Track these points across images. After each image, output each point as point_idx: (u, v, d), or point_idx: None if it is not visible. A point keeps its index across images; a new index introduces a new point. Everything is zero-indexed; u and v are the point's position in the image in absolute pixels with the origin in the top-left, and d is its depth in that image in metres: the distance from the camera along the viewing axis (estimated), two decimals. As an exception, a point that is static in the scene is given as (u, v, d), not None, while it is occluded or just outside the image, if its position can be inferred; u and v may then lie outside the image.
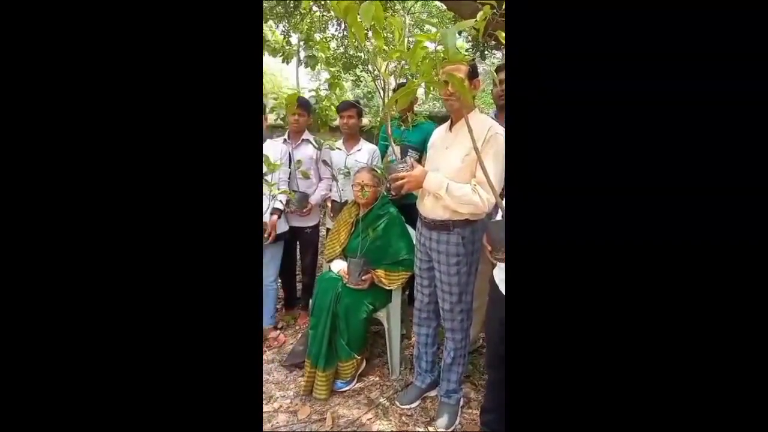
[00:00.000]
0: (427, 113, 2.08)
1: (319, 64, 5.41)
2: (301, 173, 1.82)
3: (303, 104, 2.05)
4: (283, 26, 5.10)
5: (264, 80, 6.21)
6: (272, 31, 5.19)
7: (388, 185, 1.39)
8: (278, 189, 1.82)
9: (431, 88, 1.23)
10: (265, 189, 1.72)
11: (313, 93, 5.40)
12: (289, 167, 1.94)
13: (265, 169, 1.69)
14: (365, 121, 4.95)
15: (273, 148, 1.90)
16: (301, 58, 5.40)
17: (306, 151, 2.04)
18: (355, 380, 1.75)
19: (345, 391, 1.70)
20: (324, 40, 5.24)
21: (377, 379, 1.80)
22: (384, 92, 1.20)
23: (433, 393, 1.67)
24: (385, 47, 1.04)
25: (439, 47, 0.97)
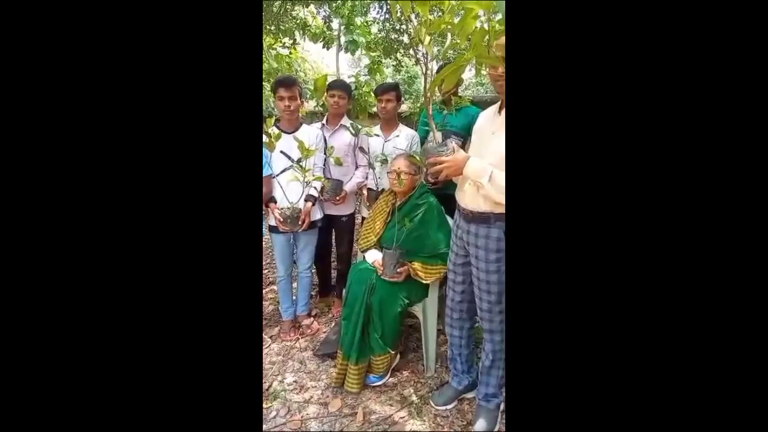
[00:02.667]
0: (470, 98, 1.93)
1: (359, 49, 5.32)
2: (334, 160, 1.76)
3: (343, 86, 1.97)
4: (324, 11, 5.04)
5: (305, 67, 6.19)
6: (313, 16, 5.14)
7: (426, 171, 1.28)
8: (313, 176, 1.77)
9: (482, 66, 1.11)
10: (300, 175, 1.67)
11: (353, 78, 5.33)
12: (325, 153, 1.88)
13: (299, 154, 1.65)
14: (405, 107, 4.82)
15: (309, 134, 1.84)
16: (342, 43, 5.34)
17: (342, 138, 1.97)
18: (389, 375, 1.69)
19: (377, 386, 1.65)
20: (365, 24, 5.14)
21: (411, 375, 1.73)
22: (426, 69, 1.09)
23: (470, 394, 1.57)
24: (430, 16, 0.93)
25: (495, 17, 0.85)
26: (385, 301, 1.59)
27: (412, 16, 1.05)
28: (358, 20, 5.04)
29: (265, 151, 1.75)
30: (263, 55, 5.15)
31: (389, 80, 4.63)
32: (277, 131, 1.64)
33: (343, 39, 5.29)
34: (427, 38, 1.05)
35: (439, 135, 1.26)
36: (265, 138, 1.57)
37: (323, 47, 5.07)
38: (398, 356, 1.78)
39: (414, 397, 1.60)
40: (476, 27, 0.81)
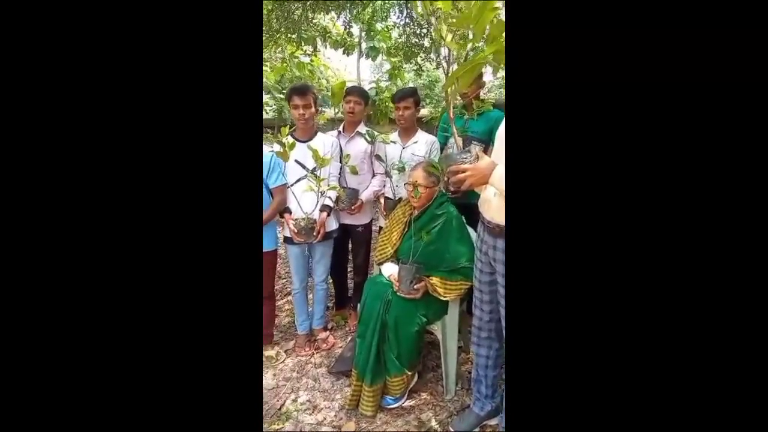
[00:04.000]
0: (493, 101, 1.82)
1: (380, 54, 5.27)
2: (349, 168, 1.69)
3: (359, 93, 1.90)
4: (344, 17, 5.03)
5: (327, 75, 6.20)
6: (333, 23, 5.14)
7: (446, 180, 1.19)
8: (328, 185, 1.71)
9: (501, 65, 1.01)
10: (314, 185, 1.61)
11: (374, 85, 5.28)
12: (340, 162, 1.81)
13: (314, 164, 1.58)
14: (425, 111, 4.71)
15: (324, 142, 1.78)
16: (363, 49, 5.32)
17: (359, 145, 1.90)
18: (405, 397, 1.60)
19: (394, 409, 1.55)
20: (386, 29, 5.10)
21: (430, 397, 1.63)
22: (448, 70, 1.00)
23: (494, 421, 1.45)
24: (452, 11, 0.85)
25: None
26: (402, 318, 1.49)
27: (432, 18, 0.97)
28: (379, 26, 5.01)
29: (281, 161, 1.71)
30: (285, 64, 5.19)
31: (411, 85, 4.56)
32: (291, 140, 1.59)
33: (363, 45, 5.27)
34: (449, 36, 0.97)
35: (460, 140, 1.16)
36: (279, 147, 1.52)
37: (343, 53, 5.07)
38: (416, 376, 1.68)
39: (433, 422, 1.49)
40: (494, 20, 0.72)
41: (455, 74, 0.90)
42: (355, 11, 4.77)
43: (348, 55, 5.24)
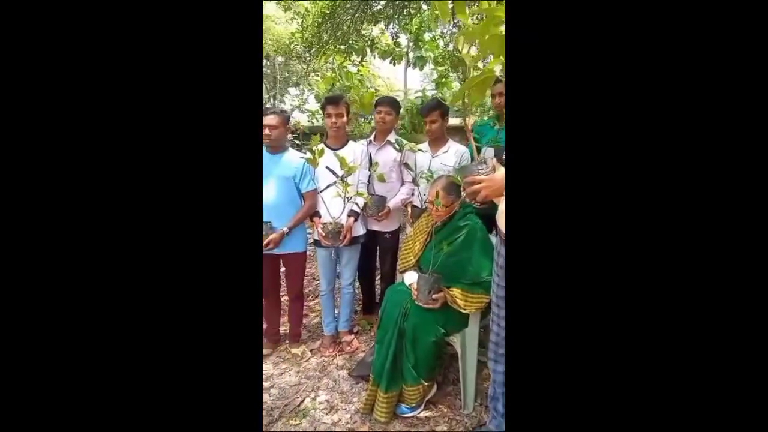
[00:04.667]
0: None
1: (427, 63, 5.29)
2: (377, 176, 1.72)
3: (390, 103, 1.94)
4: (392, 28, 5.13)
5: (376, 84, 6.34)
6: (382, 32, 5.26)
7: (463, 191, 1.18)
8: (357, 192, 1.76)
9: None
10: (341, 191, 1.67)
11: (420, 94, 5.31)
12: (369, 169, 1.86)
13: (342, 171, 1.64)
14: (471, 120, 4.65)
15: (354, 150, 1.84)
16: (410, 59, 5.38)
17: (388, 154, 1.93)
18: (422, 407, 1.58)
19: (408, 418, 1.55)
20: (433, 39, 5.12)
21: (447, 410, 1.60)
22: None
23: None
24: (470, 21, 0.85)
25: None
26: (419, 328, 1.49)
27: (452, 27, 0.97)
28: (427, 36, 5.04)
29: (311, 167, 1.78)
30: (337, 73, 5.38)
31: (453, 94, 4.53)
32: (320, 147, 1.66)
33: (411, 54, 5.33)
34: (466, 47, 0.97)
35: (490, 151, 1.15)
36: (309, 154, 1.60)
37: (390, 63, 5.15)
38: (435, 387, 1.66)
39: (447, 436, 1.47)
40: (500, 33, 0.72)
41: (464, 87, 0.90)
42: (403, 22, 4.86)
43: (395, 65, 5.33)
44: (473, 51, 0.97)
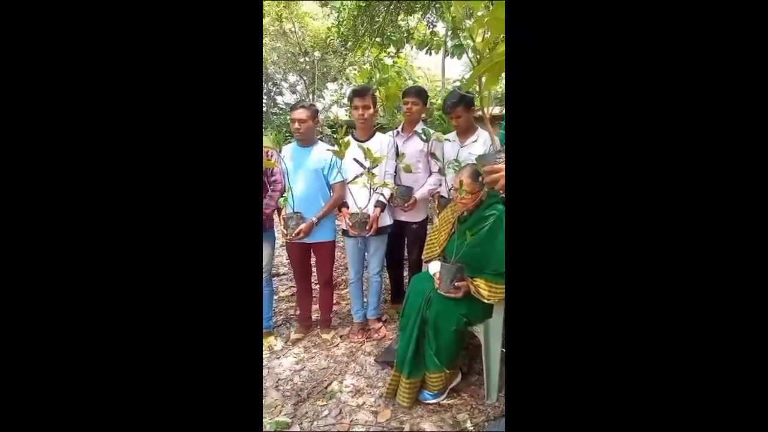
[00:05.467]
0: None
1: (466, 52, 5.19)
2: (404, 167, 1.74)
3: (417, 93, 1.95)
4: (429, 17, 5.05)
5: (414, 75, 6.27)
6: (419, 22, 5.20)
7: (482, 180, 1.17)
8: (384, 182, 1.79)
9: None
10: (367, 182, 1.71)
11: (458, 83, 5.21)
12: (395, 160, 1.88)
13: (368, 163, 1.68)
14: (498, 109, 4.51)
15: (381, 142, 1.87)
16: (448, 48, 5.29)
17: (415, 145, 1.94)
18: (445, 395, 1.60)
19: (431, 404, 1.57)
20: (472, 26, 4.99)
21: (470, 399, 1.61)
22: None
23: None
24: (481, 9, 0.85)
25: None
26: (442, 316, 1.50)
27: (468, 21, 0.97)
28: (467, 23, 4.92)
29: (337, 159, 1.84)
30: (373, 66, 5.41)
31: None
32: (346, 139, 1.71)
33: (449, 43, 5.23)
34: (480, 35, 0.96)
35: (497, 140, 1.14)
36: (335, 147, 1.65)
37: (426, 53, 5.09)
38: (459, 376, 1.67)
39: (468, 424, 1.48)
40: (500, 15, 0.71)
41: (476, 73, 0.90)
42: (440, 10, 4.77)
43: (430, 55, 5.26)
44: (484, 36, 0.96)
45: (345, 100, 7.59)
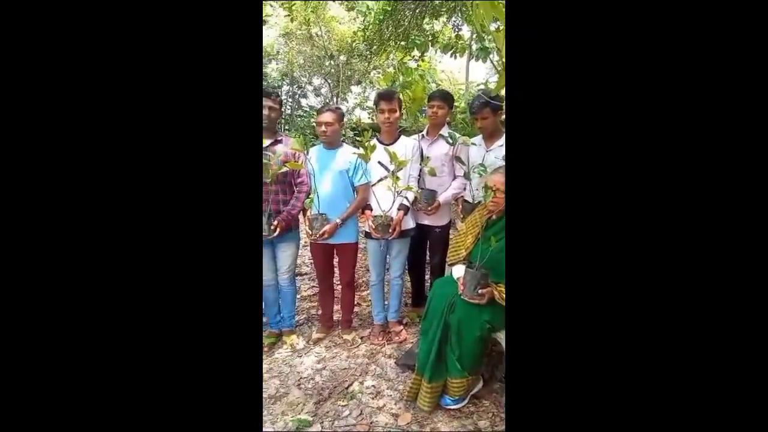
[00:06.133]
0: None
1: (491, 54, 5.14)
2: (428, 170, 1.74)
3: (442, 96, 1.94)
4: (454, 20, 5.04)
5: (437, 78, 6.25)
6: (444, 26, 5.19)
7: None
8: (408, 186, 1.80)
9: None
10: (391, 185, 1.71)
11: (482, 86, 5.17)
12: (420, 164, 1.88)
13: (393, 166, 1.69)
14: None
15: (405, 145, 1.87)
16: (473, 51, 5.25)
17: (440, 148, 1.94)
18: (466, 401, 1.58)
19: (452, 410, 1.56)
20: (498, 29, 4.95)
21: (492, 407, 1.59)
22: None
23: None
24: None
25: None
26: (465, 321, 1.49)
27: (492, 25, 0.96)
28: (493, 26, 4.88)
29: (362, 161, 1.85)
30: (397, 70, 5.43)
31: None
32: (372, 143, 1.72)
33: (474, 46, 5.20)
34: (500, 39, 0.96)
35: None
36: (361, 150, 1.67)
37: (451, 56, 5.08)
38: (480, 383, 1.65)
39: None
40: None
41: (503, 74, 0.89)
42: (466, 14, 4.75)
43: (456, 58, 5.24)
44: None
45: (368, 104, 7.65)
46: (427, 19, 4.68)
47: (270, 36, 7.40)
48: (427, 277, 2.37)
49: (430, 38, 4.82)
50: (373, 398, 1.66)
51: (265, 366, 1.86)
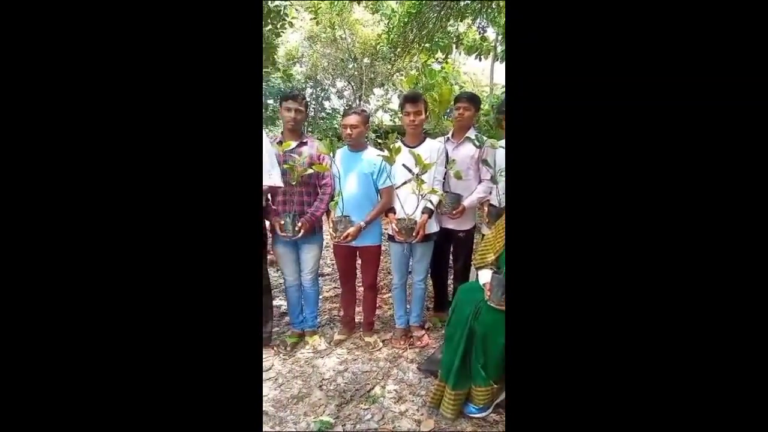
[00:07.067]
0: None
1: (515, 56, 5.06)
2: (453, 174, 1.71)
3: (469, 98, 1.92)
4: (479, 22, 4.98)
5: (461, 80, 6.23)
6: (469, 27, 5.14)
7: None
8: (432, 189, 1.78)
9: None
10: (416, 188, 1.70)
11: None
12: (445, 167, 1.85)
13: (418, 169, 1.67)
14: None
15: (430, 148, 1.85)
16: (498, 53, 5.18)
17: (466, 151, 1.91)
18: (490, 410, 1.55)
19: (476, 418, 1.52)
20: (524, 30, 4.86)
21: (517, 417, 1.54)
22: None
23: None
24: None
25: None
26: (490, 329, 1.46)
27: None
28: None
29: (386, 164, 1.85)
30: (420, 72, 5.41)
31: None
32: (397, 145, 1.71)
33: (499, 48, 5.13)
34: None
35: None
36: (386, 152, 1.66)
37: (476, 58, 5.02)
38: (505, 392, 1.60)
39: (515, 443, 1.41)
40: None
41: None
42: (491, 15, 4.69)
43: (480, 60, 5.17)
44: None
45: (390, 106, 7.66)
46: (451, 21, 4.64)
47: (295, 39, 7.52)
48: (449, 281, 2.33)
49: (454, 40, 4.78)
50: (395, 403, 1.64)
51: (287, 366, 1.87)
